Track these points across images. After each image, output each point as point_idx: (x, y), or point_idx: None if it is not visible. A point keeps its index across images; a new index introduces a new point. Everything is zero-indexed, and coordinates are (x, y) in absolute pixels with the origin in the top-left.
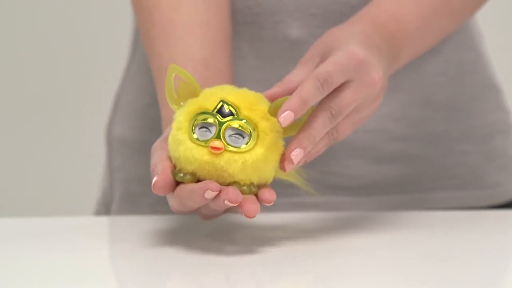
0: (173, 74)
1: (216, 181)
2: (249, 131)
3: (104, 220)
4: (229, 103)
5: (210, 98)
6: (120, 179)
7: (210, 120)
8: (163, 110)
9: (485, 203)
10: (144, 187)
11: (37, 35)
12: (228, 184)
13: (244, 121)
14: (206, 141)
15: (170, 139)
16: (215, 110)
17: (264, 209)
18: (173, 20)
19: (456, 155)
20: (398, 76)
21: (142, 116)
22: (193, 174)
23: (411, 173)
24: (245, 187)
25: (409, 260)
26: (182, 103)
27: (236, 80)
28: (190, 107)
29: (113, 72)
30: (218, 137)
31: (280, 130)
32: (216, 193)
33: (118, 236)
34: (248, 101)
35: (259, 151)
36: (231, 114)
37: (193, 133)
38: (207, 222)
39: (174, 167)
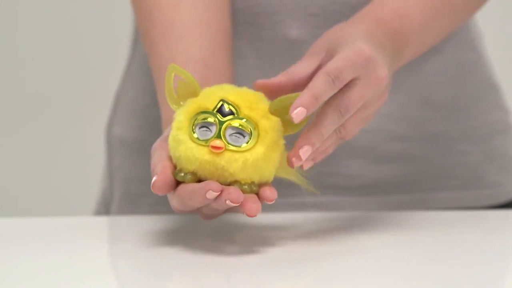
0: (173, 74)
1: (217, 181)
2: (249, 130)
3: (104, 220)
4: (229, 102)
5: (210, 97)
6: (120, 179)
7: (211, 119)
8: (163, 110)
9: (485, 203)
10: (144, 187)
11: (37, 35)
12: (229, 184)
13: (244, 120)
14: (206, 141)
15: (170, 138)
16: (215, 110)
17: (264, 209)
18: (173, 20)
19: (456, 155)
20: (398, 76)
21: (142, 116)
22: (193, 173)
23: (411, 173)
24: (246, 186)
25: (409, 260)
26: (181, 103)
27: (236, 80)
28: (190, 106)
29: (113, 72)
30: (218, 136)
31: (281, 129)
32: (218, 193)
33: (118, 236)
34: (248, 100)
35: (259, 150)
36: (232, 113)
37: (194, 132)
38: (207, 222)
39: (175, 167)
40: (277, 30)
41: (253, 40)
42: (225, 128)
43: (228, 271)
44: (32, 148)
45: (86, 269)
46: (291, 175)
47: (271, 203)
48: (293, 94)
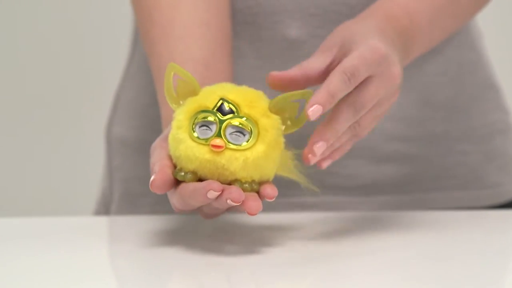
0: (172, 73)
1: (218, 179)
2: (249, 128)
3: (103, 220)
4: (229, 101)
5: (210, 96)
6: (120, 179)
7: (211, 118)
8: (163, 109)
9: (485, 203)
10: (143, 187)
11: (37, 35)
12: (230, 182)
13: (244, 118)
14: (206, 140)
15: (170, 138)
16: (215, 108)
17: (264, 209)
18: (173, 20)
19: (456, 155)
20: None
21: (141, 116)
22: (194, 172)
23: (411, 173)
24: (246, 185)
25: (409, 260)
26: (181, 102)
27: (236, 80)
28: (190, 105)
29: (113, 72)
30: (218, 135)
31: (281, 127)
32: (219, 193)
33: (118, 236)
34: (248, 99)
35: (260, 148)
36: (232, 112)
37: (194, 131)
38: (207, 222)
39: (175, 166)
40: (277, 30)
41: (252, 40)
42: (225, 127)
43: (228, 271)
44: (32, 148)
45: (86, 269)
46: (291, 174)
47: (272, 200)
48: (294, 92)
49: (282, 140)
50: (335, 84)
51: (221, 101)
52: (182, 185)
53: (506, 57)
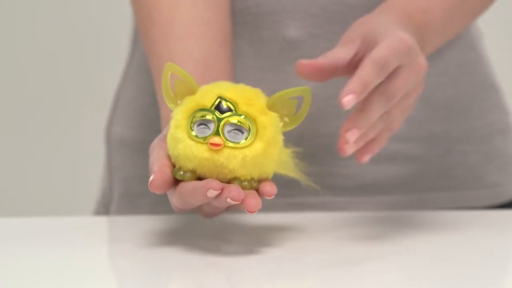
0: (169, 73)
1: (217, 178)
2: (248, 126)
3: (103, 220)
4: (227, 99)
5: (207, 95)
6: (120, 179)
7: (209, 116)
8: (163, 109)
9: (485, 203)
10: (143, 187)
11: (37, 35)
12: (229, 180)
13: (242, 116)
14: (205, 138)
15: (168, 137)
16: (213, 107)
17: (264, 209)
18: (172, 20)
19: (456, 155)
20: None
21: (141, 116)
22: (193, 171)
23: (411, 173)
24: (245, 183)
25: (409, 260)
26: (179, 101)
27: (235, 80)
28: (188, 104)
29: (113, 72)
30: (217, 133)
31: (279, 124)
32: (218, 191)
33: (118, 236)
34: (246, 97)
35: (258, 146)
36: (229, 110)
37: (192, 130)
38: (207, 222)
39: (174, 165)
40: (276, 30)
41: (252, 40)
42: (224, 125)
43: (228, 271)
44: (32, 148)
45: (86, 269)
46: (291, 172)
47: (271, 198)
48: (291, 89)
49: (281, 137)
50: (367, 73)
51: (219, 100)
52: (182, 184)
53: (506, 57)
